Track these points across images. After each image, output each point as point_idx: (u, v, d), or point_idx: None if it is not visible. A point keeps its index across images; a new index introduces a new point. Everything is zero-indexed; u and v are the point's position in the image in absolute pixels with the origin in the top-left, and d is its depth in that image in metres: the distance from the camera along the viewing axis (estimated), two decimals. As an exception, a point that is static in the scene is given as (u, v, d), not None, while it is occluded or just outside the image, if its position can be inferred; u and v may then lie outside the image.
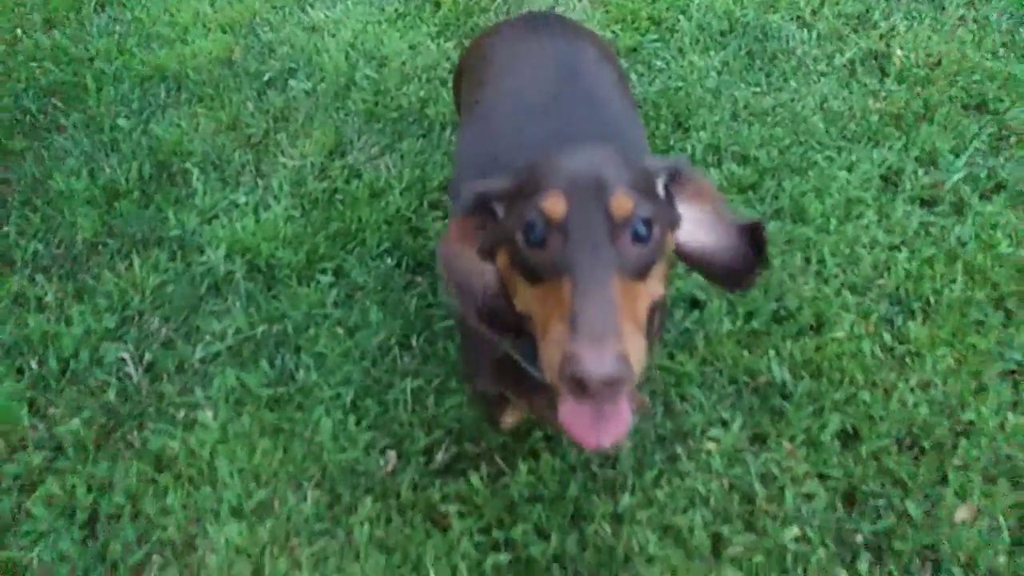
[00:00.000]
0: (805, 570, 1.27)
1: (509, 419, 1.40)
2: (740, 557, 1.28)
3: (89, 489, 1.43)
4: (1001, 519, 1.30)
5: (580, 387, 0.69)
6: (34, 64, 2.50)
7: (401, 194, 1.97)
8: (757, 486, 1.37)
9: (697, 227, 0.89)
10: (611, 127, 1.23)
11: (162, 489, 1.42)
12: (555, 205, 0.77)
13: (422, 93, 2.28)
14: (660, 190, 0.89)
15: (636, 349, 0.72)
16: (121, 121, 2.27)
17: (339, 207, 1.96)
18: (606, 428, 0.78)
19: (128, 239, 1.93)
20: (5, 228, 1.96)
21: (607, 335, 0.69)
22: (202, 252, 1.88)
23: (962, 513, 1.30)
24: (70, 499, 1.42)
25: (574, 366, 0.68)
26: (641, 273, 0.79)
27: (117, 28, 2.62)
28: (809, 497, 1.36)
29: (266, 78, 2.39)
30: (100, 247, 1.92)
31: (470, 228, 0.90)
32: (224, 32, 2.55)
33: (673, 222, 0.87)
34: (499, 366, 1.04)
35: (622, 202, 0.77)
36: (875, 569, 1.26)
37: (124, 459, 1.48)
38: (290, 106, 2.29)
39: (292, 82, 2.37)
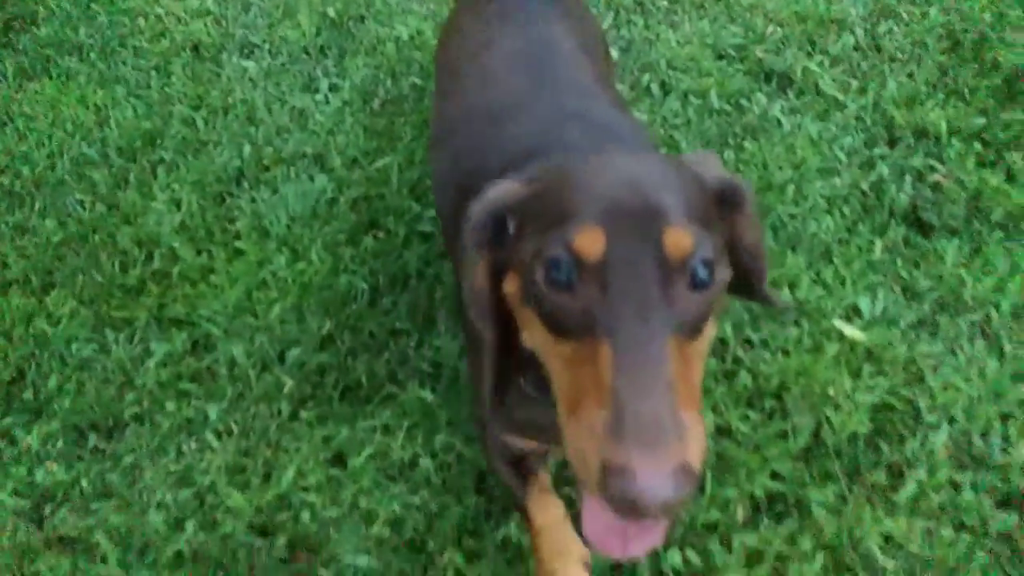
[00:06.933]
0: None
1: (535, 491, 1.23)
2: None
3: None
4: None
5: (629, 509, 0.55)
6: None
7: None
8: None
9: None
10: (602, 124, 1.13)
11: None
12: (590, 243, 0.62)
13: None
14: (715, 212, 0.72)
15: (698, 448, 0.59)
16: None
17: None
18: (639, 537, 0.67)
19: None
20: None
21: (666, 439, 0.55)
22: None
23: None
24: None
25: (623, 484, 0.54)
26: (698, 329, 0.64)
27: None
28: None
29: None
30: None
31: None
32: None
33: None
34: (512, 407, 0.89)
35: (679, 238, 0.62)
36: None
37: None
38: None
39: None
